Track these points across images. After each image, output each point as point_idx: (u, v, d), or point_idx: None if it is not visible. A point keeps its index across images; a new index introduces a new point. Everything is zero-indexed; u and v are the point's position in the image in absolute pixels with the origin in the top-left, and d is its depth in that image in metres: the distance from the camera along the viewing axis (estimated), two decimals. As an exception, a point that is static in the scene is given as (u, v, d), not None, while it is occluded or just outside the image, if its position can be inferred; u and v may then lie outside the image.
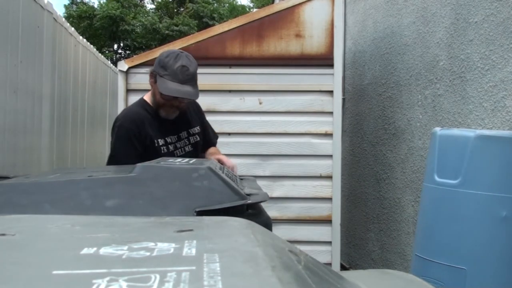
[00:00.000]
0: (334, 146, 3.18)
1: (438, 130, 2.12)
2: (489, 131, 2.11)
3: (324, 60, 3.20)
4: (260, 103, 3.22)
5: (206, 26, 16.46)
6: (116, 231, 0.74)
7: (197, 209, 1.07)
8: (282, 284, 0.48)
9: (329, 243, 3.18)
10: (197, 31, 7.19)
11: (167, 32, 20.70)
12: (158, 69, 2.02)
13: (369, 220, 3.99)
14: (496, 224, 1.88)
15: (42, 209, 1.03)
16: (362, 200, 4.15)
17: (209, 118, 3.12)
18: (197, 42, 3.21)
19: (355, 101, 4.37)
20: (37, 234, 0.73)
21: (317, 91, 3.20)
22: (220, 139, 3.21)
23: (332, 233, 3.17)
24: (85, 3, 23.01)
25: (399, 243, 3.42)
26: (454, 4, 2.79)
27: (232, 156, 3.19)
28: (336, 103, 3.19)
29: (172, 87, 1.97)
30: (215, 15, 22.38)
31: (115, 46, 23.85)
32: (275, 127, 3.22)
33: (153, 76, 2.06)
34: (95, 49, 6.09)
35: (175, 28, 20.75)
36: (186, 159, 1.39)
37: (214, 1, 24.13)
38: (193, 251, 0.58)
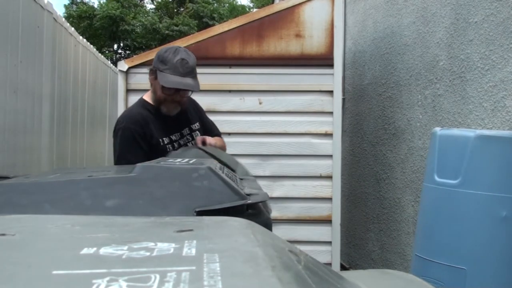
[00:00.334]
0: (334, 146, 3.18)
1: (438, 130, 2.12)
2: (489, 131, 2.11)
3: (324, 60, 3.20)
4: (260, 103, 3.22)
5: (206, 26, 16.46)
6: (116, 231, 0.74)
7: (197, 209, 1.07)
8: (282, 284, 0.48)
9: (329, 243, 3.18)
10: (197, 31, 7.19)
11: (167, 32, 20.70)
12: (158, 64, 2.04)
13: (369, 220, 3.99)
14: (496, 224, 1.88)
15: (42, 209, 1.03)
16: (362, 200, 4.15)
17: (209, 118, 3.13)
18: (197, 42, 3.21)
19: (355, 101, 4.37)
20: (37, 234, 0.73)
21: (317, 91, 3.20)
22: (220, 139, 3.22)
23: (332, 233, 3.17)
24: (85, 3, 23.01)
25: (399, 243, 3.42)
26: (454, 4, 2.79)
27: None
28: (336, 103, 3.19)
29: (174, 80, 1.99)
30: (215, 15, 22.38)
31: (115, 46, 23.86)
32: (275, 127, 3.22)
33: (153, 72, 2.07)
34: (95, 49, 6.09)
35: (175, 28, 20.76)
36: (186, 159, 1.39)
37: (214, 1, 24.13)
38: (193, 251, 0.58)
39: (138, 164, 1.19)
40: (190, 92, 2.12)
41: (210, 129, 2.35)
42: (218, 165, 1.36)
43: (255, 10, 21.83)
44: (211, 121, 2.41)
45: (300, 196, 3.21)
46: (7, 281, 0.49)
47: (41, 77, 3.68)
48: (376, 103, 3.89)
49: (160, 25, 21.11)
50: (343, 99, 3.99)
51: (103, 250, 0.59)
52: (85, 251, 0.59)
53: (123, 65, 3.20)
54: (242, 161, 3.20)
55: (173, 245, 0.61)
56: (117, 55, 22.96)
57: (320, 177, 3.20)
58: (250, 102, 3.22)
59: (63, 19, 4.60)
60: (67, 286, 0.48)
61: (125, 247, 0.60)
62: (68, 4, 23.02)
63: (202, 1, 22.65)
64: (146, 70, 3.20)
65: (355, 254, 4.30)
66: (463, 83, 2.68)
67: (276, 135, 3.22)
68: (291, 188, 3.21)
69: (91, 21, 21.08)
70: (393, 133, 3.56)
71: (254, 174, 3.04)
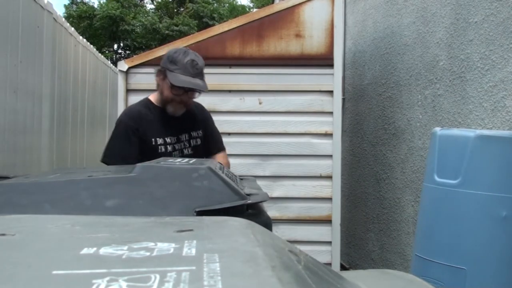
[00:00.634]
0: (334, 146, 3.18)
1: (438, 130, 2.12)
2: (489, 131, 2.11)
3: (324, 60, 3.20)
4: (260, 103, 3.22)
5: (206, 26, 16.46)
6: (116, 231, 0.74)
7: (197, 209, 1.07)
8: (282, 284, 0.48)
9: (329, 243, 3.18)
10: (197, 31, 7.19)
11: (167, 32, 20.70)
12: (168, 65, 2.07)
13: (369, 220, 3.99)
14: (496, 224, 1.88)
15: (42, 209, 1.03)
16: (362, 200, 4.15)
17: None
18: (197, 42, 3.21)
19: (355, 101, 4.37)
20: (37, 234, 0.73)
21: (317, 91, 3.20)
22: (220, 139, 3.22)
23: (332, 233, 3.17)
24: (85, 3, 23.01)
25: (399, 243, 3.42)
26: (454, 4, 2.79)
27: (232, 156, 3.19)
28: (336, 103, 3.19)
29: (185, 79, 2.03)
30: (215, 15, 22.38)
31: (115, 46, 23.86)
32: (275, 127, 3.22)
33: (161, 72, 2.11)
34: (95, 49, 6.09)
35: (175, 28, 20.75)
36: (186, 159, 1.39)
37: (214, 1, 24.13)
38: (193, 251, 0.58)
39: (138, 164, 1.19)
40: (198, 94, 2.15)
41: (214, 141, 2.33)
42: (218, 165, 1.36)
43: (255, 10, 21.83)
44: (217, 132, 2.39)
45: (300, 196, 3.21)
46: (7, 281, 0.49)
47: (41, 77, 3.68)
48: (376, 103, 3.89)
49: (160, 25, 21.11)
50: (343, 99, 3.99)
51: (103, 250, 0.59)
52: (85, 251, 0.59)
53: (123, 65, 3.20)
54: (242, 161, 3.21)
55: (173, 245, 0.61)
56: (117, 55, 22.96)
57: (320, 177, 3.20)
58: (250, 102, 3.22)
59: (63, 19, 4.60)
60: (67, 286, 0.48)
61: (125, 247, 0.60)
62: (68, 4, 23.03)
63: (202, 1, 22.65)
64: (146, 70, 3.21)
65: (355, 254, 4.30)
66: (463, 83, 2.68)
67: (276, 135, 3.22)
68: (291, 188, 3.21)
69: (91, 21, 21.08)
70: (393, 133, 3.56)
71: (254, 174, 3.05)
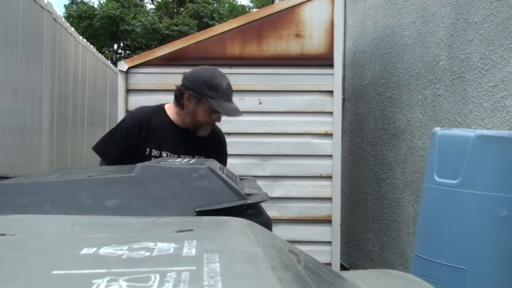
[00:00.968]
0: (334, 146, 3.18)
1: (438, 130, 2.12)
2: (489, 131, 2.11)
3: (324, 60, 3.20)
4: (260, 103, 3.22)
5: (206, 26, 16.46)
6: (116, 231, 0.74)
7: (197, 209, 1.07)
8: (282, 284, 0.48)
9: (329, 243, 3.18)
10: (197, 31, 7.19)
11: (167, 32, 20.70)
12: (206, 91, 1.98)
13: (369, 220, 3.99)
14: (496, 224, 1.88)
15: (42, 209, 1.03)
16: (362, 200, 4.15)
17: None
18: (197, 42, 3.21)
19: (355, 101, 4.37)
20: (37, 234, 0.73)
21: (317, 91, 3.20)
22: (220, 139, 3.22)
23: (332, 233, 3.17)
24: (85, 3, 23.01)
25: (399, 243, 3.42)
26: (454, 4, 2.79)
27: (232, 156, 3.19)
28: (336, 103, 3.19)
29: (230, 107, 2.00)
30: (215, 15, 22.38)
31: (115, 46, 23.86)
32: (275, 127, 3.22)
33: (195, 97, 2.00)
34: (95, 49, 6.09)
35: (175, 28, 20.75)
36: (186, 159, 1.39)
37: (214, 1, 24.13)
38: (193, 251, 0.58)
39: (138, 164, 1.19)
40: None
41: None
42: (218, 165, 1.36)
43: (255, 10, 21.83)
44: (225, 157, 2.33)
45: (300, 196, 3.21)
46: (7, 281, 0.49)
47: (41, 77, 3.68)
48: (376, 103, 3.89)
49: (160, 25, 21.10)
50: (343, 99, 3.99)
51: (103, 250, 0.59)
52: (85, 251, 0.59)
53: (123, 65, 3.20)
54: (242, 161, 3.21)
55: (173, 245, 0.61)
56: (117, 55, 22.96)
57: (320, 177, 3.20)
58: (250, 102, 3.22)
59: (63, 19, 4.60)
60: (67, 286, 0.48)
61: (125, 247, 0.60)
62: (68, 4, 23.03)
63: (202, 1, 22.65)
64: (146, 70, 3.21)
65: (355, 254, 4.30)
66: (463, 83, 2.68)
67: (276, 135, 3.22)
68: (291, 188, 3.21)
69: (91, 21, 21.08)
70: (393, 133, 3.56)
71: (254, 174, 3.05)
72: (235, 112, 2.02)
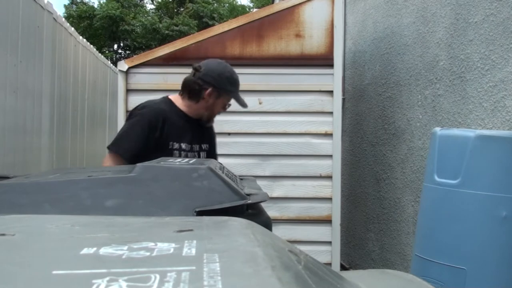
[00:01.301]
0: (334, 146, 3.18)
1: (438, 130, 2.12)
2: (489, 131, 2.11)
3: (324, 60, 3.20)
4: (260, 103, 3.22)
5: (206, 26, 16.45)
6: (116, 231, 0.74)
7: (197, 209, 1.07)
8: (282, 284, 0.48)
9: (329, 243, 3.18)
10: (197, 31, 7.19)
11: (167, 32, 20.70)
12: (229, 87, 2.15)
13: (369, 220, 3.99)
14: (496, 224, 1.88)
15: (42, 209, 1.03)
16: (362, 200, 4.15)
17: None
18: (197, 42, 3.21)
19: (355, 101, 4.38)
20: (37, 234, 0.73)
21: (317, 91, 3.20)
22: (220, 139, 3.20)
23: (332, 233, 3.17)
24: (85, 3, 23.01)
25: (399, 243, 3.43)
26: (454, 4, 2.79)
27: (232, 156, 3.20)
28: (336, 103, 3.19)
29: (244, 100, 2.21)
30: (215, 15, 22.38)
31: (115, 46, 23.87)
32: (275, 127, 3.22)
33: (216, 92, 2.13)
34: (95, 49, 6.09)
35: (175, 28, 20.76)
36: (186, 159, 1.39)
37: (214, 1, 24.13)
38: (193, 251, 0.58)
39: (138, 164, 1.19)
40: None
41: (212, 154, 2.33)
42: (218, 165, 1.36)
43: (255, 10, 21.83)
44: (215, 148, 2.41)
45: (300, 196, 3.21)
46: (7, 281, 0.49)
47: (41, 77, 3.68)
48: (376, 103, 3.89)
49: (160, 25, 21.11)
50: (343, 99, 3.98)
51: (103, 250, 0.59)
52: (85, 251, 0.59)
53: (123, 65, 3.20)
54: (242, 161, 3.21)
55: (173, 245, 0.61)
56: (117, 55, 22.96)
57: (320, 177, 3.20)
58: (250, 102, 3.19)
59: (63, 19, 4.60)
60: (67, 286, 0.48)
61: (125, 247, 0.60)
62: (68, 4, 23.02)
63: (202, 1, 22.65)
64: (146, 70, 3.21)
65: (355, 254, 4.30)
66: (463, 83, 2.68)
67: (276, 135, 3.22)
68: (291, 188, 3.21)
69: (91, 21, 21.08)
70: (393, 133, 3.56)
71: (254, 174, 3.05)
72: (245, 105, 2.23)
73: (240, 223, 0.77)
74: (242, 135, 3.22)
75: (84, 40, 5.42)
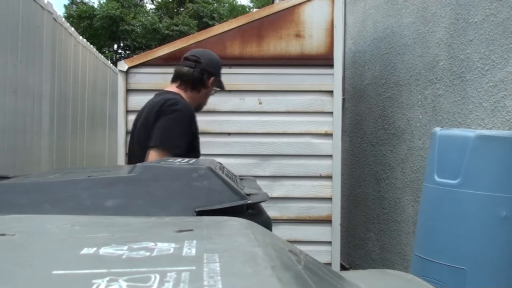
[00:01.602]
0: (334, 146, 3.18)
1: (438, 130, 2.12)
2: (489, 131, 2.11)
3: (324, 60, 3.20)
4: (260, 103, 3.22)
5: (206, 26, 16.46)
6: (116, 231, 0.74)
7: (197, 209, 1.07)
8: (282, 284, 0.48)
9: (329, 243, 3.18)
10: (197, 31, 7.19)
11: (167, 32, 20.70)
12: (218, 71, 2.24)
13: (369, 220, 3.99)
14: (496, 224, 1.88)
15: (42, 209, 1.03)
16: (362, 200, 4.15)
17: (209, 118, 3.13)
18: (197, 42, 3.21)
19: (355, 101, 4.37)
20: (37, 234, 0.73)
21: (317, 91, 3.20)
22: (220, 139, 3.22)
23: (332, 233, 3.17)
24: (85, 3, 23.01)
25: (399, 243, 3.43)
26: (454, 4, 2.79)
27: (232, 156, 3.20)
28: (336, 103, 3.19)
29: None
30: (215, 15, 22.39)
31: (115, 46, 23.87)
32: (275, 127, 3.22)
33: (217, 80, 2.25)
34: (95, 49, 6.09)
35: (175, 28, 20.76)
36: (186, 159, 1.39)
37: (214, 1, 24.13)
38: (193, 251, 0.58)
39: (138, 164, 1.19)
40: None
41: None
42: (218, 165, 1.36)
43: (255, 10, 21.83)
44: None
45: (300, 196, 3.21)
46: (7, 281, 0.49)
47: (41, 77, 3.68)
48: (376, 103, 3.89)
49: (160, 25, 21.11)
50: (343, 99, 3.99)
51: (103, 250, 0.59)
52: (85, 251, 0.59)
53: (123, 65, 3.20)
54: (242, 161, 3.21)
55: (173, 245, 0.61)
56: (117, 55, 22.96)
57: (320, 177, 3.20)
58: (250, 102, 3.22)
59: (63, 19, 4.59)
60: (67, 286, 0.48)
61: (125, 247, 0.60)
62: (68, 4, 23.03)
63: (202, 1, 22.65)
64: (146, 70, 3.21)
65: (355, 254, 4.30)
66: (463, 83, 2.68)
67: (276, 135, 3.22)
68: (291, 188, 3.21)
69: (91, 21, 21.08)
70: (393, 133, 3.56)
71: (254, 174, 3.05)
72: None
73: (240, 223, 0.77)
74: (242, 135, 3.22)
75: (84, 40, 5.42)
